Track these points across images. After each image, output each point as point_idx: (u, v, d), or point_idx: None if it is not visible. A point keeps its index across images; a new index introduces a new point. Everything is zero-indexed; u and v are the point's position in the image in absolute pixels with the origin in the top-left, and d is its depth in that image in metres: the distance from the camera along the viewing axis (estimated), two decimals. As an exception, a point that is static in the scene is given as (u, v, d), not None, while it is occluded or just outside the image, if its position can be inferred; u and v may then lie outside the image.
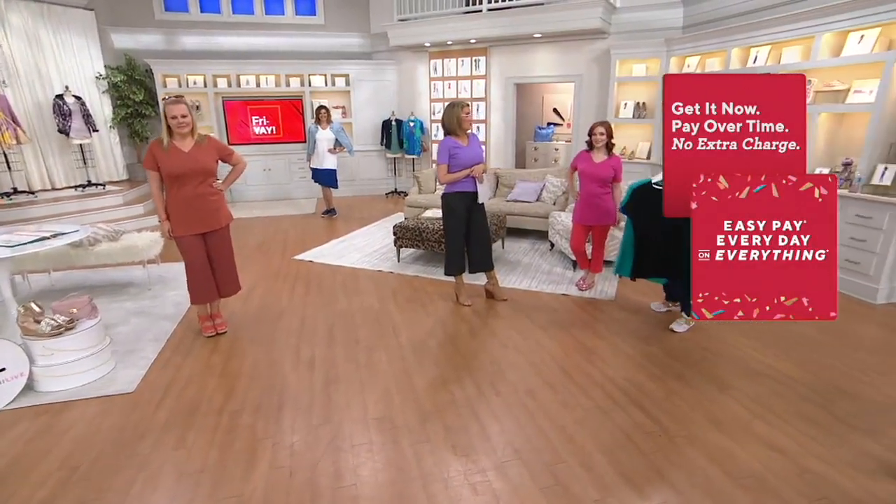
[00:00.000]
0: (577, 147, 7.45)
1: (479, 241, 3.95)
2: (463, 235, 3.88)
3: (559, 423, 2.52)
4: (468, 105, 3.76)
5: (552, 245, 5.46)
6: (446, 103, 4.22)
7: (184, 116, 3.12)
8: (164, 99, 3.17)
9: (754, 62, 5.09)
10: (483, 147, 3.94)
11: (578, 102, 7.38)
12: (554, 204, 5.82)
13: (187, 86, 8.02)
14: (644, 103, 6.61)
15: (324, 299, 4.22)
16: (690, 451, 2.31)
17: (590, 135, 3.98)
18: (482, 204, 3.89)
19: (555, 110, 9.69)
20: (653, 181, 3.29)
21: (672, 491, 2.08)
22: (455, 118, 3.70)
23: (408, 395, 2.80)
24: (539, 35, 7.04)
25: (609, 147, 3.97)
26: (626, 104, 6.73)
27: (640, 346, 3.34)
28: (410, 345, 3.39)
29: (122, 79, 7.62)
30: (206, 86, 8.13)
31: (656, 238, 3.40)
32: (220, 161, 3.35)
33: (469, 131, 3.80)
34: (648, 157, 6.63)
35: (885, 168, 3.97)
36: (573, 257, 4.68)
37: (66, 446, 2.38)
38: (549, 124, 9.61)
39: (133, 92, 7.67)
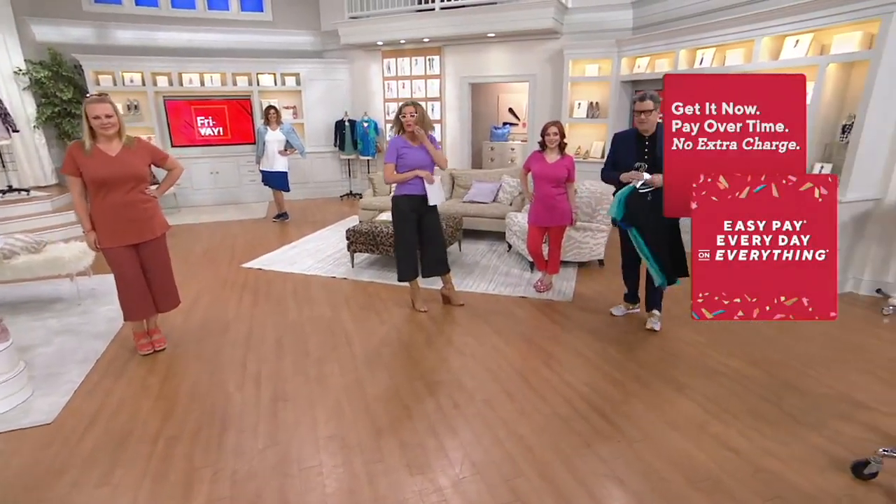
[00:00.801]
0: (532, 147, 7.44)
1: (432, 245, 3.83)
2: (414, 239, 3.75)
3: (518, 432, 2.45)
4: (411, 105, 3.55)
5: (510, 246, 5.42)
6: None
7: (108, 116, 2.83)
8: (85, 97, 2.86)
9: (700, 64, 5.22)
10: (440, 148, 3.75)
11: (533, 102, 7.40)
12: (510, 205, 5.79)
13: (123, 84, 7.53)
14: (597, 103, 6.69)
15: (273, 309, 4.00)
16: (649, 456, 2.28)
17: (543, 135, 3.94)
18: (434, 206, 3.76)
19: (510, 110, 9.72)
20: (637, 185, 3.20)
21: (633, 498, 2.03)
22: (396, 119, 3.63)
23: (360, 409, 2.66)
24: (492, 34, 7.01)
25: (562, 147, 3.95)
26: (579, 104, 6.80)
27: (598, 347, 3.32)
28: (364, 355, 3.24)
29: (47, 75, 7.02)
30: (144, 84, 7.65)
31: (659, 236, 3.31)
32: (153, 166, 3.10)
33: (429, 132, 3.65)
34: (602, 157, 6.71)
35: (822, 167, 4.14)
36: (531, 259, 4.65)
37: (-32, 491, 2.11)
38: (504, 124, 9.63)
39: (60, 89, 7.09)
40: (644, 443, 2.36)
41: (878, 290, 4.13)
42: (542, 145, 3.97)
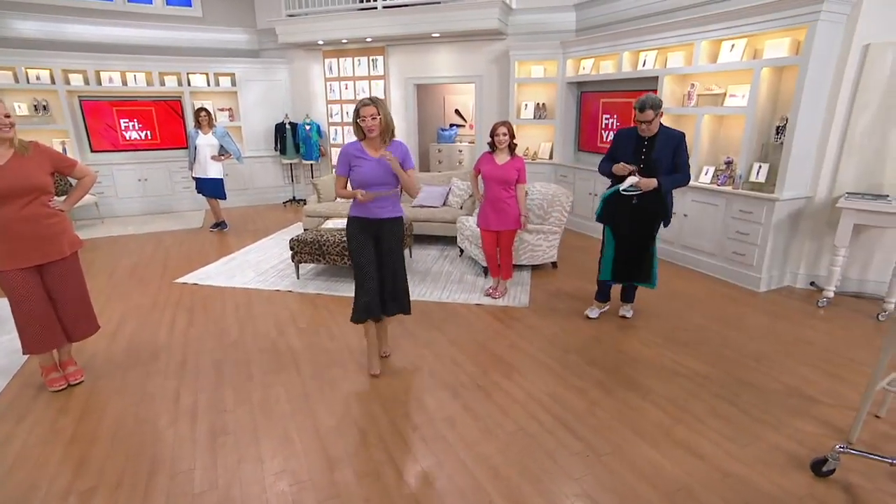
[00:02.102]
0: (480, 148, 7.41)
1: (389, 277, 2.96)
2: (371, 269, 2.87)
3: (482, 453, 2.31)
4: (371, 104, 2.66)
5: (461, 251, 5.30)
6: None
7: (7, 116, 2.48)
8: None
9: (643, 65, 5.32)
10: (412, 167, 2.86)
11: (480, 103, 7.34)
12: (461, 208, 5.67)
13: (27, 81, 6.75)
14: (544, 104, 6.71)
15: (211, 330, 3.66)
16: (619, 468, 2.20)
17: (492, 136, 3.84)
18: (394, 226, 2.90)
19: (457, 111, 9.64)
20: (621, 188, 3.22)
21: (605, 520, 1.94)
22: (353, 122, 2.79)
23: (311, 439, 2.43)
24: (437, 35, 6.87)
25: (512, 148, 3.87)
26: (526, 105, 6.79)
27: (557, 354, 3.24)
28: (313, 377, 3.00)
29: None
30: (54, 82, 6.90)
31: (632, 242, 3.46)
32: (55, 174, 2.70)
33: (393, 139, 2.82)
34: (551, 158, 6.75)
35: (760, 166, 4.30)
36: (484, 263, 4.55)
37: None
38: (451, 125, 9.53)
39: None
40: (613, 455, 2.28)
41: (812, 283, 4.33)
42: (492, 146, 3.87)
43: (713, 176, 4.66)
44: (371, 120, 2.66)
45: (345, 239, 4.36)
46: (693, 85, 4.84)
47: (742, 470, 2.19)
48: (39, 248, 2.63)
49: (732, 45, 4.45)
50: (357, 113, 2.69)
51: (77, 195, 2.85)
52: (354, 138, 2.83)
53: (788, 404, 2.68)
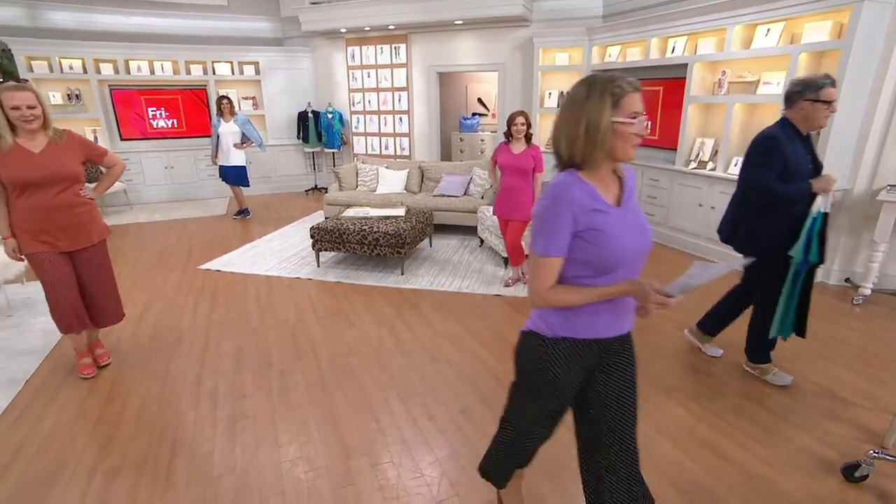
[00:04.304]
0: (503, 137, 7.31)
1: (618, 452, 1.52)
2: (547, 430, 1.62)
3: (499, 446, 2.28)
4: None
5: (481, 241, 5.25)
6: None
7: (31, 107, 2.43)
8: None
9: (672, 52, 5.14)
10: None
11: (503, 92, 7.23)
12: (482, 198, 5.61)
13: (61, 70, 6.93)
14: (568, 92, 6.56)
15: (232, 316, 3.71)
16: (642, 469, 2.14)
17: (509, 125, 3.82)
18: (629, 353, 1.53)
19: (479, 100, 9.52)
20: (824, 209, 2.38)
21: (623, 518, 1.89)
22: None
23: (327, 426, 2.44)
24: (460, 21, 6.78)
25: (528, 137, 3.83)
26: (550, 93, 6.66)
27: (577, 347, 3.18)
28: (331, 365, 3.01)
29: (-27, 61, 6.41)
30: (86, 71, 7.07)
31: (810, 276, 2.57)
32: (87, 163, 2.71)
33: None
34: (573, 148, 6.60)
35: (795, 156, 4.11)
36: (504, 254, 4.50)
37: None
38: (474, 114, 9.43)
39: (-12, 76, 6.49)
40: (632, 452, 2.23)
41: (847, 280, 4.15)
42: (509, 136, 3.85)
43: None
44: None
45: (365, 228, 4.38)
46: (724, 72, 4.65)
47: (768, 472, 2.12)
48: (69, 235, 2.66)
49: (768, 30, 4.26)
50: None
51: (106, 184, 2.88)
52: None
53: (820, 406, 2.57)
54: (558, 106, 6.50)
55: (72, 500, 1.99)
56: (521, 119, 3.75)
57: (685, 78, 4.91)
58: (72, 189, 2.63)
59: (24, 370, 2.93)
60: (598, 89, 1.24)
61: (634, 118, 1.24)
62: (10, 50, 6.63)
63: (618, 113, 1.23)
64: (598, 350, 1.43)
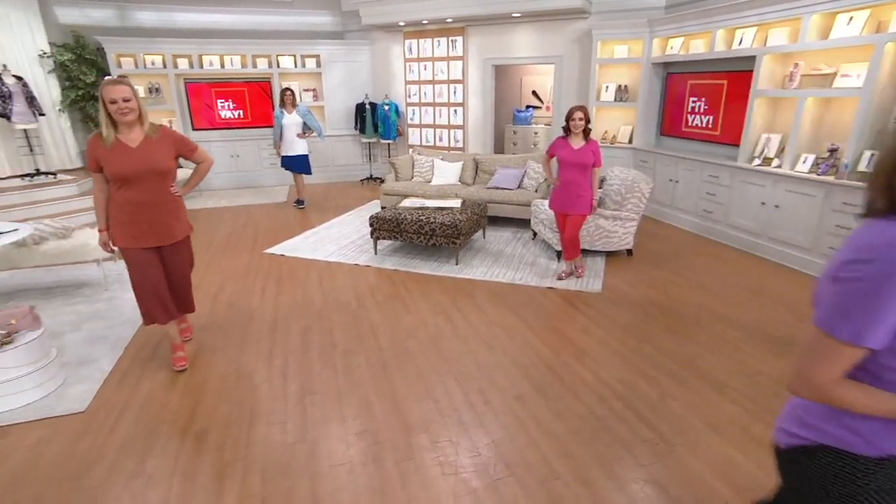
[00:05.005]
0: (557, 131, 7.27)
1: None
2: None
3: (553, 433, 2.38)
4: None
5: (534, 234, 5.30)
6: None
7: (126, 100, 2.45)
8: (102, 79, 2.55)
9: (740, 44, 4.96)
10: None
11: (559, 85, 7.18)
12: (536, 191, 5.65)
13: (144, 66, 7.49)
14: (626, 86, 6.45)
15: (297, 299, 3.96)
16: (690, 461, 2.19)
17: (567, 120, 3.83)
18: None
19: (534, 93, 9.47)
20: None
21: (675, 508, 1.95)
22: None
23: (389, 405, 2.61)
24: (518, 14, 6.77)
25: (586, 132, 3.84)
26: (607, 87, 6.56)
27: (631, 343, 3.21)
28: (391, 347, 3.19)
29: (71, 58, 7.01)
30: (165, 66, 7.60)
31: None
32: (179, 158, 2.75)
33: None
34: (630, 142, 6.51)
35: (872, 154, 3.91)
36: (558, 247, 4.54)
37: (1, 483, 2.11)
38: (528, 107, 9.39)
39: (83, 73, 7.08)
40: (685, 447, 2.27)
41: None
42: (567, 130, 3.86)
43: (812, 164, 4.30)
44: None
45: (422, 218, 4.53)
46: (797, 65, 4.45)
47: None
48: (155, 231, 2.69)
49: (851, 18, 4.03)
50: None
51: (195, 181, 2.88)
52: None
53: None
54: (615, 99, 6.42)
55: (171, 454, 2.26)
56: (579, 114, 3.76)
57: (752, 71, 4.73)
58: (163, 184, 2.67)
59: (123, 337, 3.29)
60: None
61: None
62: (103, 48, 7.23)
63: None
64: None
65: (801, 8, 4.28)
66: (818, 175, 4.19)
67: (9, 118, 6.11)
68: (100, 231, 2.73)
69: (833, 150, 4.18)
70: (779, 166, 4.55)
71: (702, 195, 5.40)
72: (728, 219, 5.08)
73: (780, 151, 4.63)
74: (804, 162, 4.36)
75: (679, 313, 3.61)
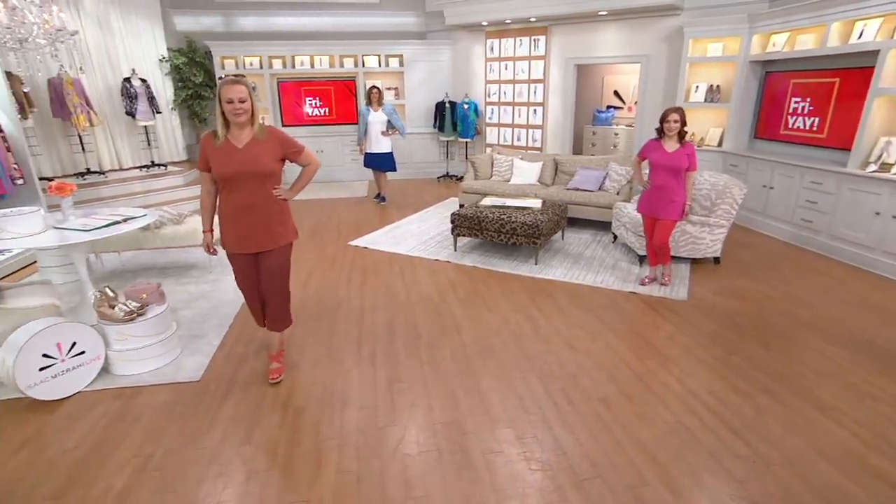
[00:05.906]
0: (639, 132, 7.05)
1: None
2: None
3: (638, 438, 2.35)
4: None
5: (615, 237, 5.18)
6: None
7: (242, 101, 2.39)
8: (220, 78, 2.45)
9: (860, 38, 4.55)
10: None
11: (644, 85, 6.93)
12: (618, 194, 5.51)
13: (244, 67, 8.09)
14: (718, 86, 6.12)
15: (381, 290, 4.14)
16: (793, 483, 2.08)
17: (661, 122, 3.70)
18: None
19: (615, 93, 9.20)
20: None
21: (775, 528, 1.88)
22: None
23: (474, 398, 2.68)
24: (605, 12, 6.61)
25: (681, 135, 3.69)
26: (697, 87, 6.25)
27: (719, 354, 3.08)
28: (474, 343, 3.27)
29: (184, 61, 7.77)
30: (261, 67, 8.18)
31: None
32: (285, 161, 2.62)
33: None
34: (719, 145, 6.17)
35: None
36: (641, 252, 4.42)
37: (139, 434, 2.41)
38: (608, 107, 9.14)
39: (193, 74, 7.81)
40: (784, 467, 2.16)
41: None
42: (660, 132, 3.73)
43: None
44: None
45: (503, 217, 4.57)
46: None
47: (954, 513, 1.93)
48: (255, 237, 2.59)
49: None
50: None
51: (301, 184, 2.73)
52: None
53: None
54: (706, 100, 6.11)
55: (276, 425, 2.47)
56: (674, 116, 3.63)
57: (872, 67, 4.34)
58: (265, 187, 2.55)
59: (227, 315, 3.62)
60: None
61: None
62: (210, 52, 7.92)
63: None
64: None
65: (935, -1, 3.87)
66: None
67: (134, 116, 6.96)
68: (203, 232, 2.70)
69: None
70: (898, 173, 4.15)
71: (800, 203, 5.03)
72: (832, 229, 4.70)
73: (901, 157, 4.22)
74: (930, 169, 3.95)
75: (772, 326, 3.41)
